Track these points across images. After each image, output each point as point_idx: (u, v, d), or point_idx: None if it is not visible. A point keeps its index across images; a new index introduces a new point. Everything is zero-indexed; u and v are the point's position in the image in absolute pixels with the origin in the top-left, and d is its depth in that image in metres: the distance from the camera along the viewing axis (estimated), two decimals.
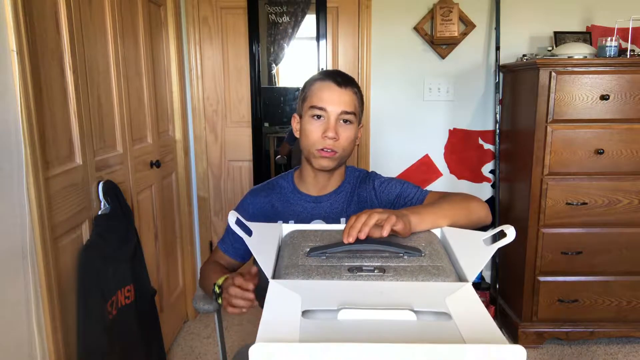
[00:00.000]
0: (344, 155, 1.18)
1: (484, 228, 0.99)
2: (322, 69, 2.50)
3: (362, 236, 0.83)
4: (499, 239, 0.83)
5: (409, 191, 1.20)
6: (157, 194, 2.20)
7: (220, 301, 1.06)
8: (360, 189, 1.24)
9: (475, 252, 0.84)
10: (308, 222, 1.21)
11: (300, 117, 1.20)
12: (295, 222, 1.21)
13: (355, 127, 1.18)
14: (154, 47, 2.21)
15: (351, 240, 0.83)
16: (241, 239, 1.25)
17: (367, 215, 0.86)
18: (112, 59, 1.74)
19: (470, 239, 0.89)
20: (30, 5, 1.22)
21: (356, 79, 1.31)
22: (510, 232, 0.82)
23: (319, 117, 1.14)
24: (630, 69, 2.07)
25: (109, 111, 1.71)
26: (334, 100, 1.13)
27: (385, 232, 0.83)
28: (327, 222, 1.21)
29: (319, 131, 1.14)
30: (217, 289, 1.06)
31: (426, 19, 2.54)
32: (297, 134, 1.22)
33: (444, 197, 1.11)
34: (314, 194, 1.24)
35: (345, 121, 1.15)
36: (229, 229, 1.27)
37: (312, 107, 1.14)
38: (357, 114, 1.18)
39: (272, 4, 2.53)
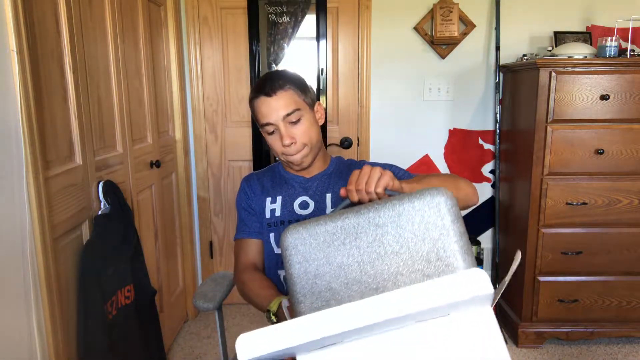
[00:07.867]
0: (312, 144, 1.23)
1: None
2: (322, 69, 2.50)
3: (365, 199, 0.91)
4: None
5: (397, 171, 1.26)
6: (157, 194, 2.20)
7: None
8: (349, 170, 1.30)
9: None
10: (295, 199, 1.28)
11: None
12: (283, 199, 1.28)
13: (308, 116, 1.21)
14: (154, 47, 2.21)
15: (355, 199, 0.92)
16: (254, 218, 1.31)
17: (368, 175, 0.91)
18: (112, 59, 1.74)
19: None
20: (30, 5, 1.22)
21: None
22: (517, 256, 0.80)
23: (271, 132, 1.20)
24: (630, 69, 2.07)
25: (109, 111, 1.71)
26: (272, 110, 1.17)
27: (380, 189, 0.90)
28: (313, 199, 1.27)
29: (278, 143, 1.20)
30: (273, 318, 1.03)
31: (426, 19, 2.54)
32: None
33: (432, 174, 1.18)
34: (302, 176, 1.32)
35: (293, 121, 1.19)
36: (239, 218, 1.33)
37: (261, 125, 1.21)
38: (302, 104, 1.20)
39: (272, 4, 2.52)
